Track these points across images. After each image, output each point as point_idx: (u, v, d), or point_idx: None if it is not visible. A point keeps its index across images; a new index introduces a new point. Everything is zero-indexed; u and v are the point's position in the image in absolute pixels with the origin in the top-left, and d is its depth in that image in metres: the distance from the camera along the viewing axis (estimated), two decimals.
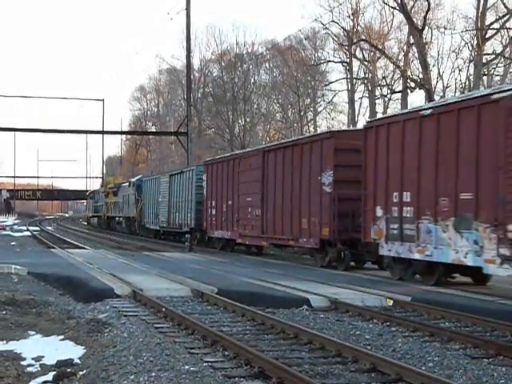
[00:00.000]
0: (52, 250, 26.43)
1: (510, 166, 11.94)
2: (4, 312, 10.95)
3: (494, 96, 12.57)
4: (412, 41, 43.69)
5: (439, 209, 13.74)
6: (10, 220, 76.68)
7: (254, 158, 22.45)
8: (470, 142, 12.98)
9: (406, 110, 17.85)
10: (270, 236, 21.23)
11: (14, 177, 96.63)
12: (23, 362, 7.87)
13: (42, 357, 8.07)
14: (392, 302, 12.16)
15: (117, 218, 47.80)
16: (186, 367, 7.24)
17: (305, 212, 18.95)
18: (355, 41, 47.98)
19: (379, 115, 51.55)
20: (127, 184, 44.44)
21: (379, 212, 15.66)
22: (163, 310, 10.69)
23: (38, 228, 57.32)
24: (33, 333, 9.49)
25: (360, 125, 41.50)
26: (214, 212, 25.89)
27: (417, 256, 14.44)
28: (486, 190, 12.60)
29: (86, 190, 79.17)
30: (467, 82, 44.66)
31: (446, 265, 13.92)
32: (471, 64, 44.75)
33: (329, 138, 18.24)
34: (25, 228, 54.44)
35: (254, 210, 22.21)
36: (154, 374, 6.96)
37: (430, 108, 14.64)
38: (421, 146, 14.32)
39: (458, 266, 13.70)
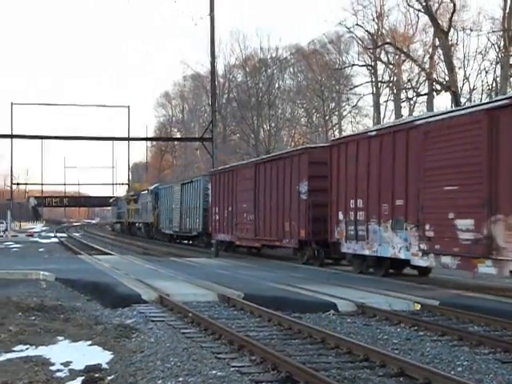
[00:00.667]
0: (79, 256, 26.67)
1: (427, 178, 14.92)
2: (33, 318, 11.06)
3: (417, 122, 15.61)
4: (437, 43, 43.37)
5: (382, 213, 16.67)
6: (38, 227, 77.60)
7: (248, 170, 25.53)
8: (402, 158, 15.93)
9: (360, 131, 21.52)
10: (261, 238, 24.21)
11: (42, 184, 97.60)
12: (52, 367, 7.92)
13: (71, 362, 8.13)
14: (420, 306, 12.05)
15: (137, 224, 50.97)
16: (213, 372, 7.24)
17: (287, 217, 21.87)
18: (380, 44, 47.77)
19: (405, 117, 51.27)
20: (146, 192, 46.99)
21: (340, 216, 18.51)
22: (190, 315, 10.71)
23: (65, 234, 57.88)
24: (61, 338, 9.56)
25: None
26: (217, 217, 28.61)
27: (367, 252, 17.41)
28: (411, 198, 15.49)
29: (112, 197, 79.74)
30: (494, 84, 44.21)
31: (392, 259, 16.61)
32: (498, 66, 44.32)
33: (304, 153, 21.30)
34: (52, 235, 55.04)
35: (248, 215, 25.12)
36: (181, 378, 6.98)
37: (375, 130, 17.98)
38: (369, 161, 17.28)
39: (405, 260, 16.17)
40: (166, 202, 40.55)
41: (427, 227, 14.83)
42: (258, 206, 24.21)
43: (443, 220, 14.31)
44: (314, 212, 20.08)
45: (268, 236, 23.41)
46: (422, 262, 15.35)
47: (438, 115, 15.42)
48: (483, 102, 17.44)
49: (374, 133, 17.60)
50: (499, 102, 13.38)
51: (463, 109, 15.37)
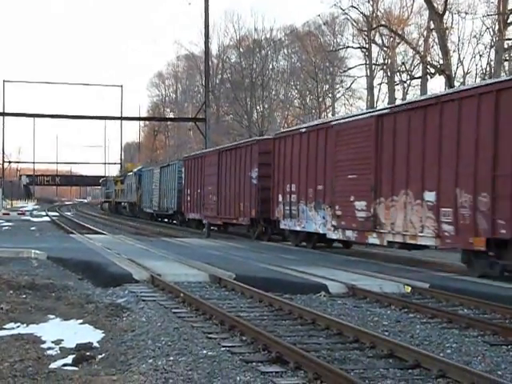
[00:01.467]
0: (71, 235, 26.66)
1: (337, 168, 18.34)
2: (24, 296, 11.07)
3: (333, 123, 19.27)
4: (432, 26, 43.21)
5: (308, 196, 20.12)
6: (30, 205, 77.46)
7: (213, 157, 28.71)
8: (322, 152, 19.29)
9: (295, 127, 25.57)
10: (222, 216, 27.62)
11: (34, 162, 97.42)
12: (43, 345, 7.95)
13: (62, 340, 8.15)
14: (410, 288, 12.13)
15: (122, 203, 55.87)
16: (204, 352, 7.27)
17: (241, 198, 25.15)
18: (375, 26, 47.55)
19: (398, 101, 51.20)
20: (131, 173, 51.14)
21: (280, 198, 21.91)
22: (181, 295, 10.74)
23: (57, 213, 57.79)
24: (52, 316, 9.58)
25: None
26: (189, 198, 32.26)
27: (298, 228, 20.83)
28: (328, 184, 18.84)
29: (105, 176, 79.64)
30: (488, 68, 44.16)
31: (319, 234, 19.87)
32: (492, 50, 44.23)
33: (255, 143, 24.73)
34: (44, 213, 54.93)
35: (212, 197, 28.49)
36: (172, 358, 7.01)
37: (305, 127, 21.37)
38: (300, 153, 20.52)
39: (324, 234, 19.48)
40: (147, 184, 44.36)
41: (337, 207, 18.42)
42: (220, 189, 27.56)
43: (347, 202, 17.82)
44: (262, 194, 23.23)
45: (228, 215, 26.86)
46: (334, 236, 18.98)
47: (346, 118, 19.43)
48: (375, 109, 21.03)
49: (304, 130, 20.99)
50: (383, 111, 17.01)
51: (361, 114, 19.14)
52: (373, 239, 16.83)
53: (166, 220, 41.72)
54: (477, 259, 13.70)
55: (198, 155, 31.98)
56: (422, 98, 17.17)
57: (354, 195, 17.50)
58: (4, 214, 46.45)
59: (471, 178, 13.47)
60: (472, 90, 14.00)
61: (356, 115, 19.34)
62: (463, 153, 13.75)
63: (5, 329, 8.76)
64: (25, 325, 8.98)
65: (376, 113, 17.15)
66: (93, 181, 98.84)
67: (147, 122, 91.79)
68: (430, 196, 14.61)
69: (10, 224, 35.10)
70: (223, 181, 27.16)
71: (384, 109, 17.69)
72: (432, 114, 14.64)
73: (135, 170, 50.59)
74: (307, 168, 20.09)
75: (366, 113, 18.81)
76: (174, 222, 38.59)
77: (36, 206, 78.91)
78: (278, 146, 22.15)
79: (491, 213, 12.91)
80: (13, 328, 8.83)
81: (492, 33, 44.84)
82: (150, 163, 54.33)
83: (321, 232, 19.47)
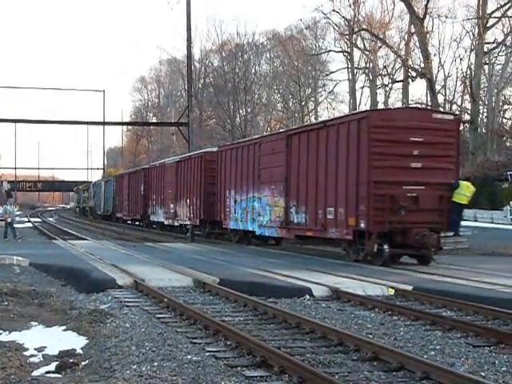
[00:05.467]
0: (54, 241, 26.47)
1: (261, 177, 21.93)
2: (6, 303, 10.98)
3: (258, 140, 23.01)
4: (413, 30, 43.56)
5: (242, 200, 23.23)
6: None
7: (172, 167, 32.68)
8: (251, 162, 22.67)
9: (233, 143, 29.56)
10: (179, 219, 31.14)
11: (15, 168, 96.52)
12: (26, 353, 7.88)
13: (45, 347, 8.09)
14: (394, 291, 12.17)
15: (86, 208, 68.97)
16: (189, 357, 7.25)
17: (193, 202, 28.89)
18: (356, 30, 47.86)
19: (380, 105, 51.46)
20: (91, 185, 65.16)
21: (221, 202, 25.00)
22: (165, 300, 10.71)
23: (39, 219, 57.35)
24: (35, 323, 9.51)
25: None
26: (154, 203, 36.85)
27: (236, 227, 24.25)
28: (255, 190, 22.41)
29: (88, 182, 79.33)
30: (468, 71, 44.53)
31: (252, 232, 23.13)
32: (472, 53, 44.64)
33: (203, 155, 28.34)
34: (26, 219, 54.48)
35: (171, 203, 32.40)
36: (156, 363, 6.98)
37: (239, 143, 25.56)
38: (236, 163, 23.94)
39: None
40: (98, 193, 57.33)
41: (261, 210, 22.11)
42: (177, 197, 31.29)
43: (273, 203, 21.17)
44: (209, 199, 26.73)
45: (183, 217, 30.41)
46: (260, 232, 22.41)
47: (267, 136, 24.22)
48: (284, 130, 25.23)
49: (239, 145, 24.71)
50: (291, 132, 20.99)
51: (277, 133, 23.57)
52: (284, 234, 20.75)
53: (107, 220, 51.76)
54: (350, 247, 17.52)
55: (162, 163, 36.54)
56: (315, 122, 23.01)
57: (273, 198, 21.11)
58: None
59: (343, 185, 17.14)
60: (347, 117, 18.87)
61: (271, 134, 24.55)
62: (340, 165, 17.40)
63: None
64: (7, 332, 8.91)
65: (287, 133, 21.13)
66: (75, 186, 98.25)
67: (130, 127, 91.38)
68: (321, 198, 18.24)
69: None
70: (180, 188, 30.81)
71: (293, 129, 22.20)
72: (321, 134, 18.47)
73: (93, 182, 66.16)
74: (241, 177, 23.54)
75: (280, 133, 22.92)
76: (111, 220, 50.16)
77: (18, 212, 78.22)
78: (220, 158, 25.47)
79: (355, 211, 16.55)
80: None
81: (472, 36, 45.31)
82: (100, 179, 66.12)
83: (250, 230, 23.09)
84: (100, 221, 52.43)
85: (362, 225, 16.34)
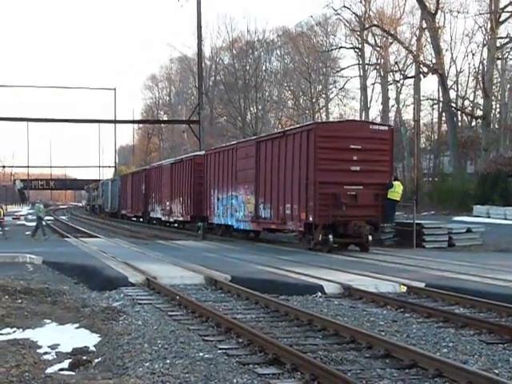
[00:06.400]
0: (66, 239, 26.58)
1: (237, 175, 24.75)
2: (20, 301, 11.04)
3: (235, 145, 25.94)
4: (424, 25, 43.30)
5: (223, 198, 26.26)
6: (24, 210, 77.12)
7: (166, 169, 36.44)
8: (231, 165, 25.48)
9: (217, 147, 30.87)
10: (173, 215, 34.32)
11: (28, 167, 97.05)
12: (39, 350, 7.93)
13: (58, 345, 8.13)
14: (406, 288, 12.14)
15: (95, 205, 72.01)
16: (201, 354, 7.27)
17: (185, 201, 32.17)
18: (367, 26, 47.63)
19: (391, 102, 51.23)
20: (100, 184, 67.75)
21: (208, 200, 28.03)
22: (177, 297, 10.73)
23: (51, 217, 57.60)
24: (48, 321, 9.56)
25: (371, 112, 52.37)
26: (153, 201, 39.84)
27: (219, 222, 27.06)
28: (233, 189, 25.39)
29: (99, 180, 79.63)
30: (481, 67, 44.24)
31: (232, 226, 25.81)
32: (485, 48, 44.34)
33: (193, 158, 31.65)
34: None
35: (167, 201, 35.44)
36: (168, 361, 7.00)
37: (220, 148, 28.35)
38: (219, 165, 26.75)
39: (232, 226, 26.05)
40: (106, 191, 60.74)
41: (237, 207, 24.90)
42: (172, 196, 34.40)
43: (246, 200, 23.85)
44: (198, 197, 29.55)
45: (177, 214, 33.82)
46: (236, 226, 25.29)
47: (242, 142, 26.81)
48: (255, 137, 26.83)
49: (221, 149, 27.53)
50: (260, 139, 23.93)
51: (249, 140, 25.95)
52: (255, 227, 23.76)
53: (114, 217, 55.10)
54: (303, 237, 20.60)
55: (160, 165, 39.82)
56: (276, 131, 27.16)
57: (246, 196, 23.87)
58: None
59: (296, 185, 20.15)
60: (299, 128, 21.56)
61: (244, 141, 27.60)
62: (295, 168, 20.27)
63: (1, 334, 8.74)
64: (21, 330, 8.96)
65: (257, 140, 24.15)
66: (87, 184, 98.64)
67: (141, 125, 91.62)
68: (281, 196, 21.10)
69: (5, 229, 34.91)
70: (175, 188, 34.00)
71: (261, 137, 25.09)
72: (281, 142, 21.40)
73: (102, 181, 68.96)
74: (223, 177, 26.34)
75: (251, 140, 25.58)
76: (117, 216, 53.83)
77: (31, 211, 78.62)
78: (207, 161, 28.43)
79: (306, 207, 19.52)
80: (9, 333, 8.81)
81: (484, 31, 44.96)
82: (108, 179, 68.61)
83: (230, 224, 25.96)
84: (110, 218, 54.63)
85: (311, 218, 19.44)
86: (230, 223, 25.98)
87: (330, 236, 19.26)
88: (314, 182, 19.26)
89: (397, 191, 20.22)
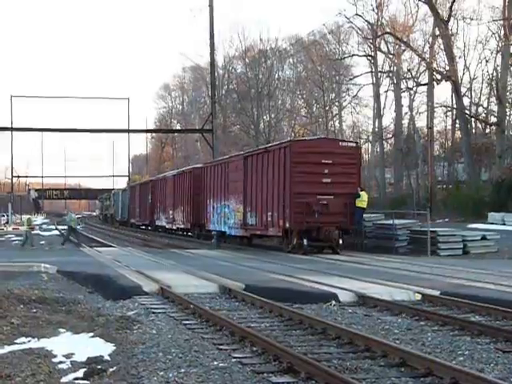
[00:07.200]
0: (80, 248, 26.69)
1: (229, 187, 27.36)
2: (34, 310, 11.08)
3: (227, 160, 28.65)
4: (437, 32, 43.19)
5: (217, 207, 28.80)
6: (39, 219, 77.58)
7: (169, 181, 39.70)
8: (224, 177, 28.33)
9: (213, 161, 33.59)
10: (175, 223, 37.56)
11: (42, 177, 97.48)
12: (54, 359, 7.94)
13: (73, 354, 8.14)
14: (420, 296, 12.07)
15: (108, 215, 75.52)
16: (215, 363, 7.26)
17: (185, 210, 35.19)
18: (380, 34, 47.57)
19: (404, 109, 51.06)
20: (111, 194, 71.32)
21: (206, 209, 30.70)
22: (191, 306, 10.73)
23: (66, 227, 57.78)
24: (63, 330, 9.58)
25: (384, 119, 51.93)
26: (159, 210, 42.78)
27: (215, 229, 29.34)
28: (225, 199, 28.05)
29: (112, 189, 79.94)
30: (494, 73, 44.08)
31: (225, 232, 28.25)
32: (498, 55, 44.16)
33: (192, 170, 34.83)
34: (53, 227, 55.01)
35: (170, 210, 38.73)
36: (183, 370, 7.00)
37: (220, 161, 30.48)
38: (215, 177, 29.37)
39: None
40: (118, 201, 64.24)
41: (228, 215, 27.39)
42: (174, 205, 37.43)
43: (234, 211, 26.74)
44: (196, 206, 32.35)
45: (178, 222, 36.65)
46: (228, 232, 27.83)
47: (233, 156, 28.79)
48: (243, 152, 28.32)
49: (217, 162, 30.20)
50: (247, 154, 26.16)
51: (239, 155, 27.73)
52: (243, 233, 26.08)
53: (124, 225, 57.87)
54: (282, 242, 23.32)
55: (164, 177, 43.63)
56: (260, 148, 28.37)
57: (236, 205, 26.33)
58: (14, 228, 46.54)
59: (276, 195, 22.87)
60: (278, 145, 24.31)
61: (233, 156, 29.37)
62: (275, 180, 22.93)
63: (16, 343, 8.77)
64: (36, 339, 8.99)
65: (244, 155, 26.59)
66: (101, 194, 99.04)
67: (154, 134, 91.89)
68: (264, 205, 23.69)
69: (19, 238, 35.15)
70: (177, 198, 37.19)
71: (248, 152, 26.96)
72: (264, 157, 24.02)
73: (113, 191, 71.79)
74: (217, 188, 29.03)
75: (239, 155, 27.95)
76: (126, 225, 56.70)
77: (45, 220, 79.06)
78: (204, 173, 31.16)
79: (283, 214, 22.32)
80: (24, 342, 8.83)
81: (498, 38, 44.80)
82: (119, 189, 70.79)
83: (223, 230, 28.29)
84: (121, 227, 57.33)
85: (287, 224, 22.17)
86: (223, 230, 28.43)
87: (305, 240, 21.82)
88: (290, 192, 21.99)
89: (364, 200, 22.72)
